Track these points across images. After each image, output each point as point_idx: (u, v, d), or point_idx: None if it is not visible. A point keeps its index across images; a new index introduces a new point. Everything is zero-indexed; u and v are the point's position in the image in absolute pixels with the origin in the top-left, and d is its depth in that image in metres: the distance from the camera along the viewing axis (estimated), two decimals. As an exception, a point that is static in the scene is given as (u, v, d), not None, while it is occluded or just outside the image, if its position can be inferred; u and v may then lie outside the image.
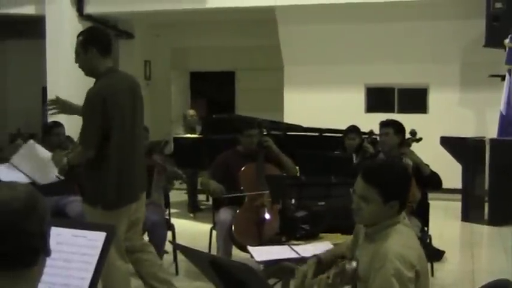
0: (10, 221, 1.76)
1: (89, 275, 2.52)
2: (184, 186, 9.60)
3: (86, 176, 4.28)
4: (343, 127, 7.33)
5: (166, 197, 6.57)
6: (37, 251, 1.83)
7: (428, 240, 5.78)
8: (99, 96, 4.13)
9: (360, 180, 2.82)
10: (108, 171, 4.16)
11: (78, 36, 4.29)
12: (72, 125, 7.15)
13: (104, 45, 4.25)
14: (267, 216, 5.49)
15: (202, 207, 9.77)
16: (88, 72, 4.30)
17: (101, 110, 4.10)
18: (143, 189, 4.52)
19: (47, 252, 1.87)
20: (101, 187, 4.18)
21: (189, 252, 2.90)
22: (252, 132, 5.96)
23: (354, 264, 2.84)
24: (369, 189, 2.76)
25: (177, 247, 2.94)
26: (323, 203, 4.73)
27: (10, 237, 1.76)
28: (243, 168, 5.75)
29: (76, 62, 4.30)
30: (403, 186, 2.86)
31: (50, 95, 10.29)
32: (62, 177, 4.85)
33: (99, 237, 2.58)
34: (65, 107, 4.50)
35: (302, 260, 3.69)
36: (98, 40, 4.25)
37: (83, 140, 4.19)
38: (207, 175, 6.08)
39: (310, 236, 4.44)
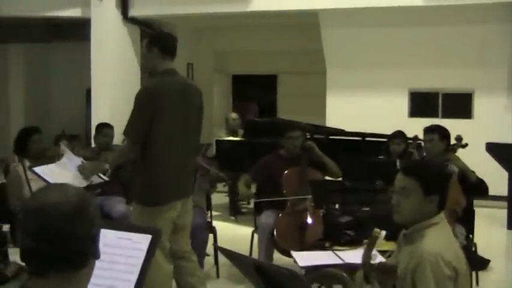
0: (60, 225, 1.77)
1: (134, 277, 2.52)
2: (226, 189, 9.61)
3: (132, 173, 4.33)
4: (386, 132, 7.25)
5: (208, 200, 6.57)
6: (86, 254, 1.83)
7: (473, 249, 5.68)
8: (146, 94, 4.24)
9: (399, 174, 2.85)
10: (152, 168, 4.22)
11: (146, 37, 4.56)
12: (115, 126, 7.24)
13: (166, 47, 4.37)
14: (310, 221, 5.44)
15: (243, 210, 9.76)
16: (147, 70, 4.50)
17: (148, 107, 4.19)
18: (189, 192, 4.53)
19: (96, 254, 1.87)
20: (145, 184, 4.24)
21: (233, 257, 2.89)
22: (293, 135, 5.92)
23: (383, 233, 2.85)
24: (409, 181, 2.78)
25: (221, 251, 2.92)
26: (367, 209, 4.68)
27: (60, 240, 1.77)
28: (286, 172, 5.71)
29: (142, 59, 4.50)
30: (443, 180, 2.90)
31: (94, 97, 10.43)
32: (106, 178, 4.89)
33: (145, 239, 2.58)
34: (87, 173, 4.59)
35: (346, 267, 3.65)
36: (161, 41, 4.39)
37: (129, 135, 4.28)
38: (247, 177, 6.07)
39: (354, 242, 4.40)
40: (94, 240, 1.86)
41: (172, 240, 4.43)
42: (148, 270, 2.48)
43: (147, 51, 4.37)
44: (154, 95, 4.21)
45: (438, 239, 2.72)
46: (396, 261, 2.97)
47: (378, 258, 2.84)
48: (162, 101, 4.23)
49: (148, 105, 4.18)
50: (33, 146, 5.65)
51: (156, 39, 4.40)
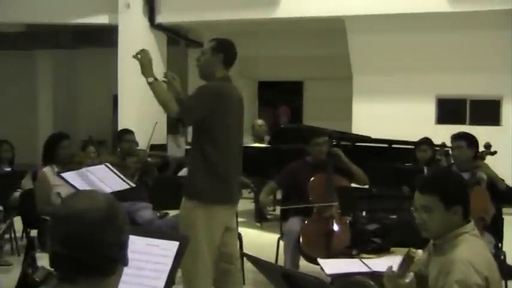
0: (90, 232, 1.78)
1: (161, 284, 2.53)
2: (252, 195, 9.60)
3: (192, 172, 4.30)
4: (413, 138, 7.19)
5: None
6: (115, 260, 1.84)
7: (502, 257, 5.60)
8: (217, 92, 4.24)
9: (417, 193, 2.82)
10: (217, 167, 4.21)
11: (212, 40, 4.45)
12: (141, 132, 7.29)
13: (229, 58, 4.40)
14: (336, 228, 5.40)
15: (269, 216, 9.73)
16: (203, 73, 4.41)
17: (210, 101, 4.18)
18: (238, 199, 4.53)
19: (124, 261, 1.88)
20: (209, 181, 4.20)
21: (260, 264, 2.88)
22: (319, 141, 5.90)
23: (411, 275, 2.80)
24: (428, 198, 2.75)
25: (247, 258, 2.91)
26: (394, 216, 4.64)
27: (89, 247, 1.77)
28: (312, 179, 5.68)
29: (196, 59, 4.45)
30: (462, 189, 2.84)
31: (121, 103, 10.51)
32: (133, 184, 4.92)
33: (172, 246, 2.58)
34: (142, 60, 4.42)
35: (373, 275, 3.62)
36: (228, 50, 4.41)
37: (183, 104, 4.20)
38: (272, 183, 6.06)
39: (381, 250, 4.36)
40: (123, 247, 1.86)
41: (222, 244, 4.38)
42: (192, 259, 2.46)
43: (211, 55, 4.35)
44: (220, 95, 4.22)
45: (469, 248, 2.69)
46: (425, 270, 2.94)
47: (410, 277, 2.80)
48: (228, 104, 4.26)
49: (211, 99, 4.18)
50: (62, 152, 5.69)
51: (222, 46, 4.40)
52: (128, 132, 6.98)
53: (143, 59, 4.35)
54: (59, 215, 1.82)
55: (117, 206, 1.88)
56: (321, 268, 4.00)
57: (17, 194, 6.55)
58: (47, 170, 5.65)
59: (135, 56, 4.41)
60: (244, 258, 5.94)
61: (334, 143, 6.98)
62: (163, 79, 4.47)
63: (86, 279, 1.80)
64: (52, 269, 1.88)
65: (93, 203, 1.83)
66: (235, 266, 4.56)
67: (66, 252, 1.77)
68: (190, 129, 12.50)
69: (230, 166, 4.31)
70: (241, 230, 6.51)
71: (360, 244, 4.44)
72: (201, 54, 4.43)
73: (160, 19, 10.93)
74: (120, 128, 9.55)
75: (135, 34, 10.68)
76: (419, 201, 2.79)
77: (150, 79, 4.24)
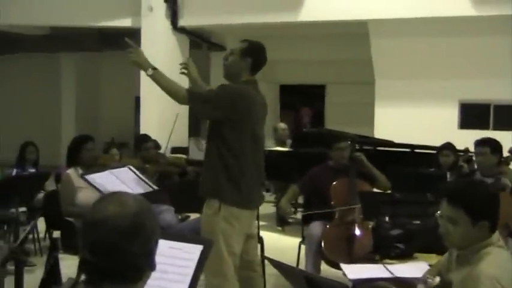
0: (115, 240, 1.76)
1: (184, 287, 2.53)
2: (273, 198, 9.60)
3: (210, 172, 4.18)
4: (435, 143, 7.15)
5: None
6: (141, 268, 1.83)
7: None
8: (239, 94, 4.13)
9: (444, 202, 2.75)
10: (244, 170, 4.14)
11: (244, 41, 4.32)
12: (163, 134, 7.32)
13: (258, 64, 4.27)
14: (358, 233, 5.38)
15: (290, 220, 9.72)
16: (228, 73, 4.31)
17: (232, 103, 4.07)
18: (259, 204, 4.50)
19: (152, 267, 1.87)
20: (236, 183, 4.12)
21: (283, 268, 2.87)
22: (341, 145, 5.88)
23: (437, 279, 2.76)
24: (455, 211, 2.69)
25: (270, 262, 2.90)
26: (418, 222, 4.60)
27: (114, 255, 1.77)
28: (334, 183, 5.66)
29: (224, 58, 4.33)
30: (491, 205, 2.76)
31: (143, 105, 10.55)
32: (155, 187, 4.93)
33: (196, 250, 2.59)
34: (133, 57, 4.29)
35: (396, 280, 3.59)
36: (258, 55, 4.28)
37: (193, 92, 4.14)
38: (295, 187, 6.04)
39: (404, 256, 4.33)
40: (150, 254, 1.85)
41: (243, 251, 4.31)
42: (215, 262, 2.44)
43: (240, 58, 4.23)
44: (242, 98, 4.12)
45: (495, 262, 2.63)
46: (445, 273, 2.92)
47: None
48: (250, 107, 4.16)
49: (230, 100, 4.07)
50: (86, 154, 5.71)
51: (253, 51, 4.27)
52: (145, 140, 6.93)
53: (134, 57, 4.23)
54: (88, 221, 1.81)
55: (146, 213, 1.85)
56: (343, 273, 3.98)
57: (40, 195, 6.60)
58: (71, 171, 5.67)
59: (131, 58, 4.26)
60: (266, 262, 5.97)
61: (357, 147, 6.94)
62: (182, 69, 4.46)
63: (111, 285, 1.80)
64: (77, 278, 1.87)
65: (120, 210, 1.80)
66: (257, 273, 4.53)
67: (92, 259, 1.77)
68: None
69: (251, 170, 4.26)
70: (262, 233, 6.49)
71: (382, 249, 4.41)
72: (230, 54, 4.31)
73: (182, 22, 10.96)
74: (142, 130, 9.61)
75: (157, 37, 10.73)
76: (445, 211, 2.74)
77: (149, 71, 4.15)
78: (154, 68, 4.16)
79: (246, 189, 4.19)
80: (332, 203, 5.59)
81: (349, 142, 5.93)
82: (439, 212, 2.82)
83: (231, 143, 4.13)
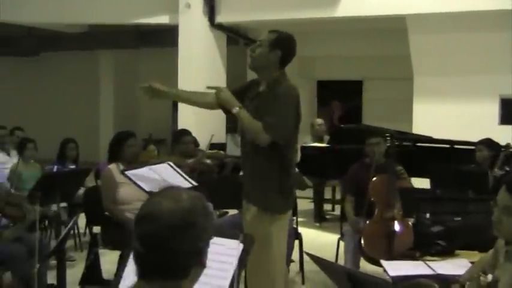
0: (165, 235, 1.78)
1: (226, 283, 2.54)
2: (311, 194, 9.58)
3: (259, 177, 4.04)
4: (475, 139, 7.04)
5: (294, 206, 6.54)
6: (189, 265, 1.84)
7: None
8: (295, 95, 3.99)
9: (503, 191, 2.66)
10: (286, 174, 4.01)
11: (273, 31, 4.07)
12: (200, 131, 7.34)
13: (287, 56, 4.05)
14: (398, 229, 5.33)
15: (328, 216, 9.71)
16: (255, 66, 4.09)
17: (298, 108, 3.98)
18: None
19: (201, 265, 1.88)
20: (279, 190, 4.00)
21: (324, 264, 2.86)
22: (371, 141, 5.85)
23: (490, 277, 2.72)
24: None
25: (311, 258, 2.88)
26: (459, 219, 4.55)
27: (163, 250, 1.79)
28: (373, 179, 5.62)
29: (251, 50, 4.08)
30: None
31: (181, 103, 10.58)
32: (195, 183, 4.95)
33: (238, 246, 2.60)
34: (153, 93, 4.25)
35: (438, 278, 3.56)
36: (288, 48, 4.05)
37: (273, 126, 3.85)
38: (348, 197, 5.97)
39: (445, 253, 4.28)
40: (199, 252, 1.86)
41: None
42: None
43: (269, 50, 3.97)
44: (298, 99, 4.02)
45: None
46: (490, 271, 2.88)
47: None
48: (299, 106, 4.04)
49: (296, 106, 3.96)
50: (127, 150, 5.74)
51: (282, 42, 4.03)
52: (184, 133, 6.98)
53: (223, 95, 4.02)
54: (141, 213, 1.84)
55: (199, 211, 1.85)
56: (384, 270, 3.97)
57: (81, 191, 6.67)
58: (112, 167, 5.72)
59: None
60: (304, 259, 5.97)
61: (396, 143, 6.85)
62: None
63: (161, 279, 1.82)
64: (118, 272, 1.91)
65: (174, 206, 1.82)
66: (287, 268, 4.55)
67: (143, 251, 1.80)
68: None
69: (293, 167, 4.23)
70: (300, 229, 6.50)
71: (423, 246, 4.37)
72: (258, 45, 4.03)
73: (220, 19, 10.98)
74: (179, 126, 9.66)
75: (195, 34, 10.77)
76: (503, 200, 2.65)
77: (235, 109, 3.92)
78: (241, 107, 3.95)
79: (290, 194, 4.16)
80: (372, 199, 5.55)
81: (380, 138, 5.87)
82: (492, 202, 2.76)
83: (288, 148, 4.01)
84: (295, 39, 4.12)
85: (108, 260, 5.75)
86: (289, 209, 4.18)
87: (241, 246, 2.59)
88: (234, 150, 9.76)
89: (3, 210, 5.00)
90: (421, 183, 7.00)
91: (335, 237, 6.32)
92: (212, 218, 1.92)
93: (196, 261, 1.85)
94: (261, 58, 4.01)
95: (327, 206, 10.10)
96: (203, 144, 8.05)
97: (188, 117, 10.11)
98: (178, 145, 6.85)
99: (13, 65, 16.43)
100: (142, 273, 1.84)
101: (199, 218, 1.83)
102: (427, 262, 3.90)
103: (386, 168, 5.65)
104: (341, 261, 5.69)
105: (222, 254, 2.57)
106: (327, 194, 9.93)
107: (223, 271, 2.56)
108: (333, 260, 5.83)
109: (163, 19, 11.23)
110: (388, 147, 5.77)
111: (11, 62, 16.38)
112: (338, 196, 10.03)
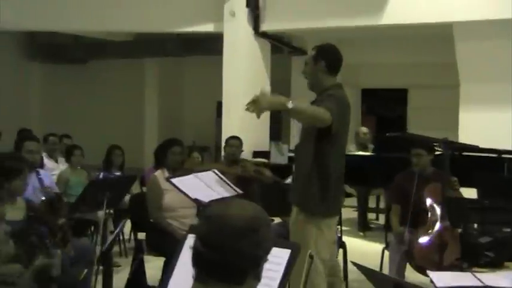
0: (227, 236, 1.83)
1: (272, 292, 2.52)
2: (355, 203, 9.52)
3: (304, 181, 4.20)
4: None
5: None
6: (245, 272, 1.87)
7: None
8: (345, 103, 4.15)
9: None
10: (327, 177, 4.12)
11: (313, 48, 4.31)
12: (244, 139, 7.35)
13: (333, 63, 4.24)
14: (448, 239, 5.21)
15: (372, 226, 9.63)
16: (312, 83, 4.29)
17: (345, 113, 4.11)
18: (341, 207, 4.48)
19: (256, 276, 1.90)
20: (324, 193, 4.11)
21: (371, 274, 2.84)
22: (414, 152, 5.78)
23: None
24: None
25: (357, 267, 2.87)
26: (508, 230, 4.46)
27: (224, 251, 1.83)
28: (427, 188, 5.53)
29: (302, 71, 4.33)
30: None
31: (225, 110, 10.64)
32: (240, 191, 4.95)
33: (284, 254, 2.58)
34: (262, 105, 3.88)
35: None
36: (329, 56, 4.26)
37: (330, 109, 3.93)
38: (394, 206, 5.91)
39: (494, 264, 4.20)
40: (258, 261, 1.89)
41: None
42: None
43: (314, 63, 4.21)
44: (347, 106, 4.16)
45: None
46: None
47: None
48: (347, 115, 4.18)
49: (343, 110, 4.09)
50: (171, 157, 5.79)
51: (324, 53, 4.25)
52: (233, 137, 7.11)
53: (263, 103, 3.83)
54: (206, 214, 1.90)
55: (263, 221, 1.94)
56: (431, 280, 3.90)
57: (126, 197, 6.74)
58: (158, 173, 5.77)
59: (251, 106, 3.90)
60: (348, 268, 5.92)
61: (439, 152, 6.75)
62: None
63: (218, 283, 1.85)
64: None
65: (238, 211, 1.90)
66: (338, 278, 4.51)
67: (203, 251, 1.84)
68: (292, 136, 12.49)
69: (341, 176, 4.24)
70: (344, 238, 6.46)
71: (471, 257, 4.30)
72: (305, 66, 4.30)
73: (264, 27, 10.99)
74: (223, 134, 9.71)
75: (239, 42, 10.80)
76: None
77: (289, 104, 3.81)
78: (290, 100, 3.89)
79: (337, 197, 4.17)
80: (427, 205, 5.45)
81: (422, 149, 5.79)
82: None
83: (328, 154, 4.11)
84: (335, 47, 4.33)
85: (152, 266, 5.79)
86: (329, 215, 4.17)
87: (288, 254, 2.57)
88: (277, 158, 9.74)
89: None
90: (468, 193, 6.90)
91: (379, 246, 6.26)
92: (271, 235, 1.97)
93: (254, 269, 1.88)
94: (311, 74, 4.25)
95: (371, 215, 10.01)
96: (247, 151, 8.08)
97: (232, 125, 10.14)
98: (226, 147, 7.07)
99: (61, 73, 16.71)
100: (199, 275, 1.88)
101: (262, 227, 1.89)
102: (475, 273, 3.83)
103: (436, 178, 5.57)
104: (385, 271, 5.63)
105: (269, 262, 2.55)
106: (371, 203, 9.85)
107: (269, 279, 2.54)
108: (377, 269, 5.77)
109: (208, 27, 11.29)
110: (440, 156, 5.69)
111: (58, 70, 16.66)
112: (382, 205, 9.93)
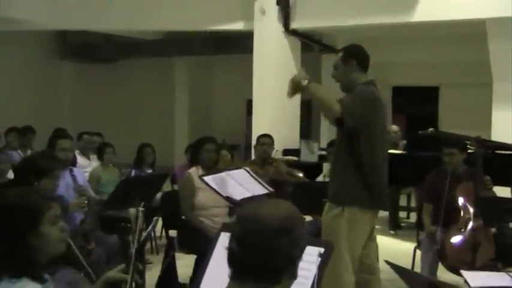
0: (262, 236, 1.84)
1: (305, 291, 2.51)
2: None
3: (337, 176, 4.27)
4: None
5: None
6: (281, 271, 1.87)
7: None
8: (374, 98, 4.17)
9: None
10: (361, 173, 4.14)
11: (339, 50, 4.41)
12: (274, 137, 7.34)
13: (363, 60, 4.32)
14: (482, 239, 5.15)
15: (403, 224, 9.57)
16: (344, 84, 4.31)
17: (372, 108, 4.12)
18: (384, 206, 4.46)
19: (293, 275, 1.90)
20: (364, 184, 4.15)
21: (405, 273, 2.82)
22: (446, 151, 5.74)
23: None
24: None
25: (392, 266, 2.85)
26: (543, 229, 4.41)
27: (259, 251, 1.83)
28: (460, 186, 5.49)
29: (333, 76, 4.36)
30: None
31: (255, 108, 10.64)
32: (271, 189, 4.94)
33: (317, 252, 2.57)
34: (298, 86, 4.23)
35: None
36: (358, 54, 4.34)
37: (345, 102, 4.06)
38: (426, 206, 5.87)
39: (530, 264, 4.15)
40: (293, 260, 1.90)
41: (363, 254, 4.30)
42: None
43: (345, 65, 4.26)
44: (376, 100, 4.17)
45: None
46: None
47: None
48: (381, 109, 4.22)
49: (370, 105, 4.11)
50: (204, 155, 5.81)
51: (352, 52, 4.32)
52: (265, 135, 7.11)
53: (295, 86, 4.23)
54: (241, 214, 1.91)
55: (297, 220, 1.94)
56: (465, 280, 3.87)
57: (158, 195, 6.77)
58: (192, 171, 5.79)
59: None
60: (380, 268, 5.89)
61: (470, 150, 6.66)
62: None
63: (254, 282, 1.85)
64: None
65: (273, 211, 1.91)
66: (375, 277, 4.48)
67: (238, 251, 1.84)
68: (322, 134, 12.46)
69: (379, 172, 4.22)
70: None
71: (506, 257, 4.25)
72: (335, 70, 4.34)
73: (294, 25, 10.96)
74: (253, 132, 9.72)
75: (270, 40, 10.78)
76: None
77: (304, 82, 4.13)
78: (310, 80, 4.15)
79: (374, 192, 4.16)
80: (460, 204, 5.41)
81: (455, 148, 5.75)
82: None
83: (367, 147, 4.12)
84: (361, 46, 4.44)
85: (184, 263, 5.82)
86: (367, 206, 4.16)
87: (321, 252, 2.56)
88: (307, 156, 9.72)
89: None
90: (502, 191, 6.82)
91: (410, 245, 6.22)
92: (305, 235, 1.97)
93: (289, 268, 1.88)
94: (342, 75, 4.28)
95: (402, 214, 9.95)
96: (277, 149, 8.07)
97: (262, 123, 10.13)
98: (257, 145, 7.07)
99: (91, 72, 16.85)
100: (235, 275, 1.88)
101: (297, 226, 1.88)
102: (511, 274, 3.78)
103: (469, 177, 5.52)
104: (417, 270, 5.59)
105: (303, 261, 2.55)
106: (402, 201, 9.79)
107: (302, 278, 2.53)
108: (408, 268, 5.74)
109: (238, 25, 11.30)
110: (473, 155, 5.64)
111: (89, 69, 16.80)
112: (413, 204, 9.87)
